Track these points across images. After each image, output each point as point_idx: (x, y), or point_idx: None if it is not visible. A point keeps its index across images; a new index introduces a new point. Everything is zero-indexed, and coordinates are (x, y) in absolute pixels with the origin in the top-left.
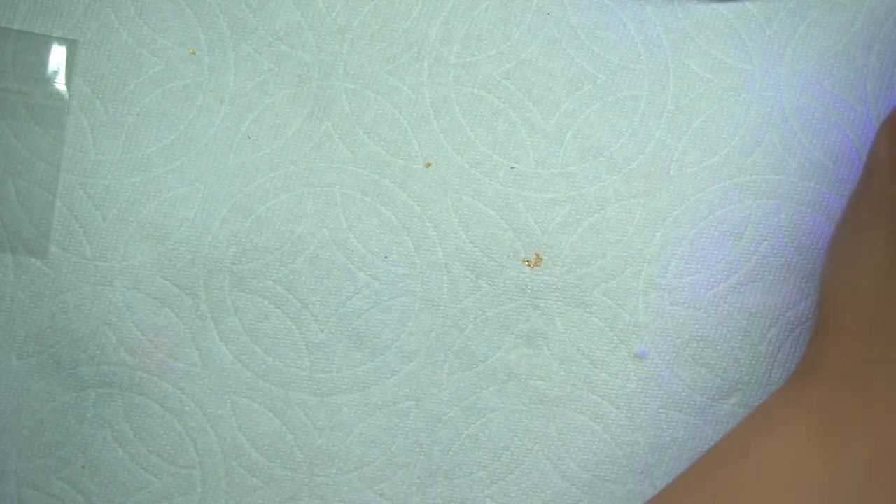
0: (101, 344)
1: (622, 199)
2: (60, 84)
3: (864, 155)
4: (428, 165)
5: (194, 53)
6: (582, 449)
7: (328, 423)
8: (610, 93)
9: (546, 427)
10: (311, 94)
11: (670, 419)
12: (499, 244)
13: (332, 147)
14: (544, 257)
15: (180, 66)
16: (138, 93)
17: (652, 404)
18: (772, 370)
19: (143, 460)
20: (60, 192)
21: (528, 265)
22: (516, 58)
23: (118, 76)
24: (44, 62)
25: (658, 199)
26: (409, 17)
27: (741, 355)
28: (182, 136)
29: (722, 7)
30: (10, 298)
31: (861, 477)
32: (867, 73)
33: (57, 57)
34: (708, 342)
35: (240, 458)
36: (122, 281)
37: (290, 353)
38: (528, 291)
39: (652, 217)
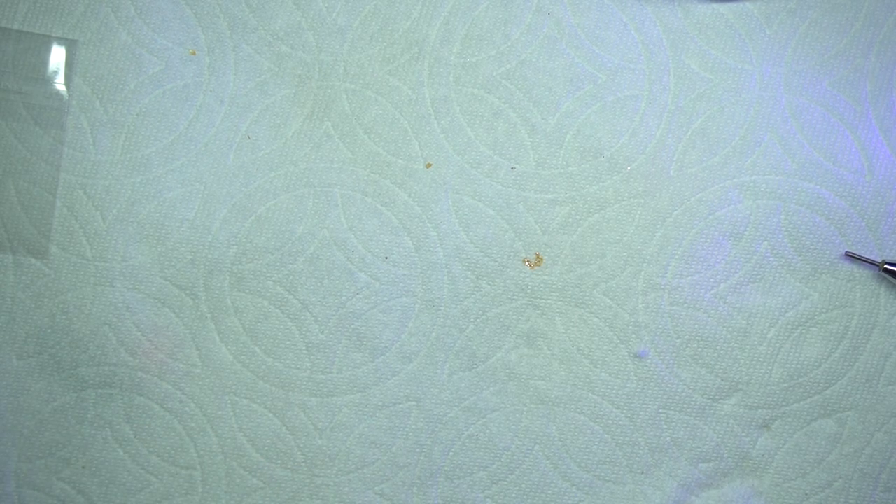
0: (101, 344)
1: (622, 200)
2: (60, 84)
3: (864, 155)
4: (428, 166)
5: (194, 53)
6: (582, 449)
7: (328, 424)
8: (610, 93)
9: (546, 427)
10: (311, 95)
11: (670, 419)
12: (499, 244)
13: (332, 147)
14: (544, 257)
15: (180, 66)
16: (138, 93)
17: (652, 404)
18: (771, 370)
19: (143, 461)
20: (60, 192)
21: (529, 265)
22: (516, 58)
23: (118, 76)
24: (44, 62)
25: (658, 199)
26: (410, 18)
27: (741, 355)
28: (182, 137)
29: (722, 7)
30: (11, 299)
31: None
32: (867, 73)
33: (57, 57)
34: (708, 342)
35: (240, 459)
36: (122, 281)
37: (290, 353)
38: (529, 291)
39: (651, 217)
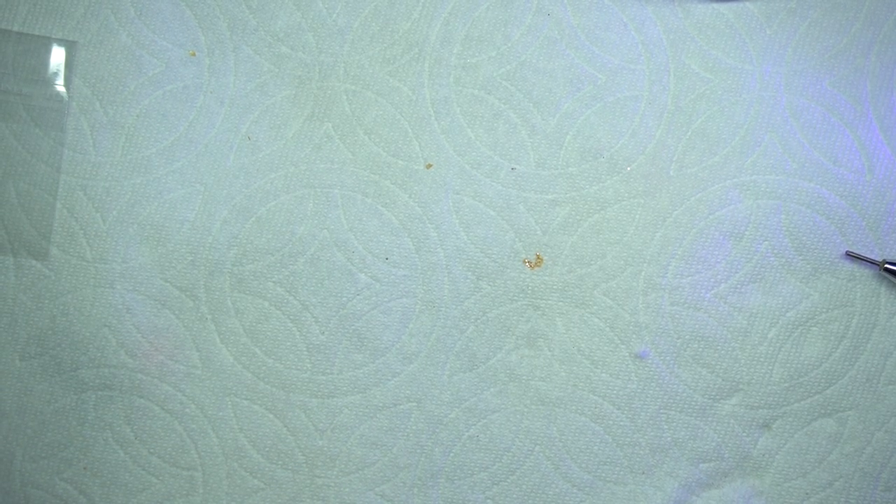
0: (101, 346)
1: (622, 200)
2: (60, 86)
3: (864, 155)
4: (428, 166)
5: (194, 55)
6: (583, 450)
7: (329, 425)
8: (610, 93)
9: (547, 428)
10: (312, 96)
11: (671, 419)
12: (499, 245)
13: (332, 148)
14: (545, 258)
15: (180, 68)
16: (138, 94)
17: (652, 405)
18: (772, 370)
19: (144, 462)
20: (60, 194)
21: (529, 266)
22: (516, 59)
23: (118, 77)
24: (44, 64)
25: (658, 199)
26: (410, 19)
27: (741, 355)
28: (182, 138)
29: (722, 7)
30: (12, 300)
31: None
32: (867, 73)
33: (57, 58)
34: (708, 342)
35: (241, 460)
36: (122, 283)
37: (290, 354)
38: (529, 292)
39: (652, 217)
